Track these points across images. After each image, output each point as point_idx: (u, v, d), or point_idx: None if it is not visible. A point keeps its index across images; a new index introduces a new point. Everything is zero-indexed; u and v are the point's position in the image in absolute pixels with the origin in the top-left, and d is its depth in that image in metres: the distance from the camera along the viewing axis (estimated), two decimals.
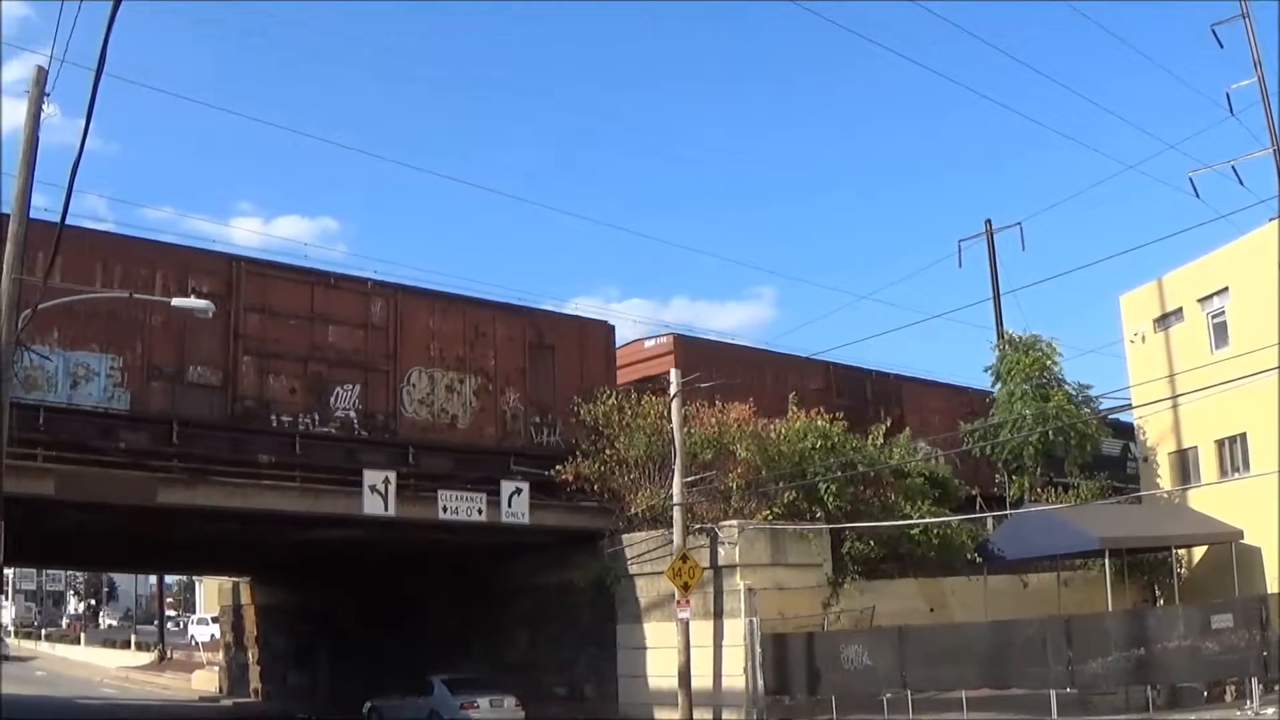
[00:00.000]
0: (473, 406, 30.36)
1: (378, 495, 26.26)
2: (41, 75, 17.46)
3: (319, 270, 29.29)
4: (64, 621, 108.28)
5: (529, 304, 33.08)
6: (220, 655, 53.09)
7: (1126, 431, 40.22)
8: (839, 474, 29.71)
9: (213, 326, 25.58)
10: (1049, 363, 36.19)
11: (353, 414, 28.62)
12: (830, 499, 29.35)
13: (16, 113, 18.01)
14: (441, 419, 29.81)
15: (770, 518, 28.45)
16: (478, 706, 28.59)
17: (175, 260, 26.41)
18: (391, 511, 26.48)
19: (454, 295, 31.45)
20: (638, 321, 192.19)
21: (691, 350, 35.15)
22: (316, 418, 28.01)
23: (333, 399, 28.34)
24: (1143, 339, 36.63)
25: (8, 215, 17.98)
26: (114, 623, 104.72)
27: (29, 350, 18.52)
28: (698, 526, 28.07)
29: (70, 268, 22.57)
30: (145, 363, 25.75)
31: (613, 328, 34.50)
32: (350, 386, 28.58)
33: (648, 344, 36.42)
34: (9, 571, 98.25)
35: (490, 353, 30.97)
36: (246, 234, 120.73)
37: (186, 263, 26.57)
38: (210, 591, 73.27)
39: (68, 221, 17.94)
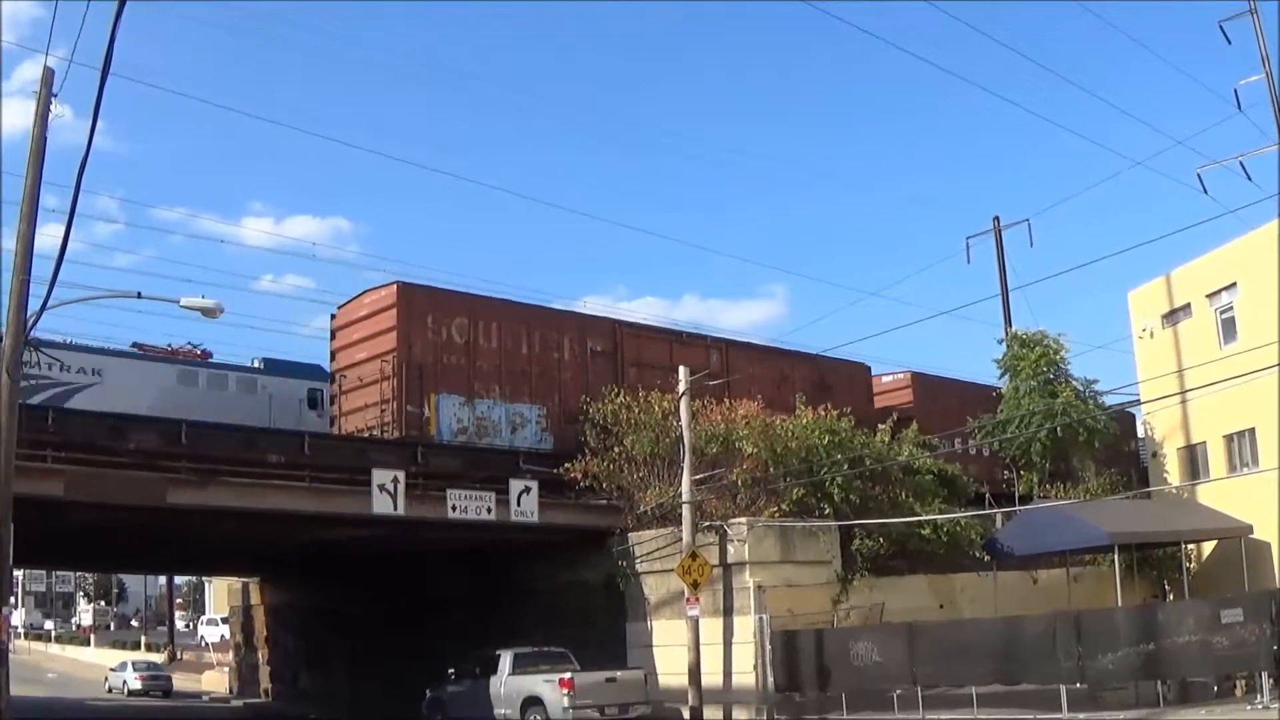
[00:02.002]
0: None
1: (386, 494, 26.22)
2: (49, 75, 17.51)
3: (673, 330, 36.23)
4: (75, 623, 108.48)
5: (816, 353, 38.69)
6: (230, 656, 53.22)
7: None
8: (847, 470, 29.68)
9: (606, 378, 32.01)
10: (1056, 358, 36.13)
11: None
12: (837, 494, 29.32)
13: (27, 114, 18.03)
14: None
15: (778, 514, 28.45)
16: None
17: (577, 325, 33.20)
18: (401, 511, 26.43)
19: (765, 347, 38.61)
20: (644, 319, 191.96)
21: (923, 384, 41.64)
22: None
23: None
24: (1151, 334, 36.62)
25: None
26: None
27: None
28: (707, 524, 28.05)
29: (505, 332, 29.84)
30: (560, 410, 31.59)
31: (869, 368, 40.39)
32: None
33: (885, 379, 41.69)
34: (19, 573, 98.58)
35: (791, 393, 34.68)
36: (257, 234, 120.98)
37: (584, 327, 33.25)
38: (220, 592, 73.47)
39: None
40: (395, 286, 29.46)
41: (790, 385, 35.61)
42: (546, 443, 31.01)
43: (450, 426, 29.35)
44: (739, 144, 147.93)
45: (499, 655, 27.21)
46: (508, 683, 26.42)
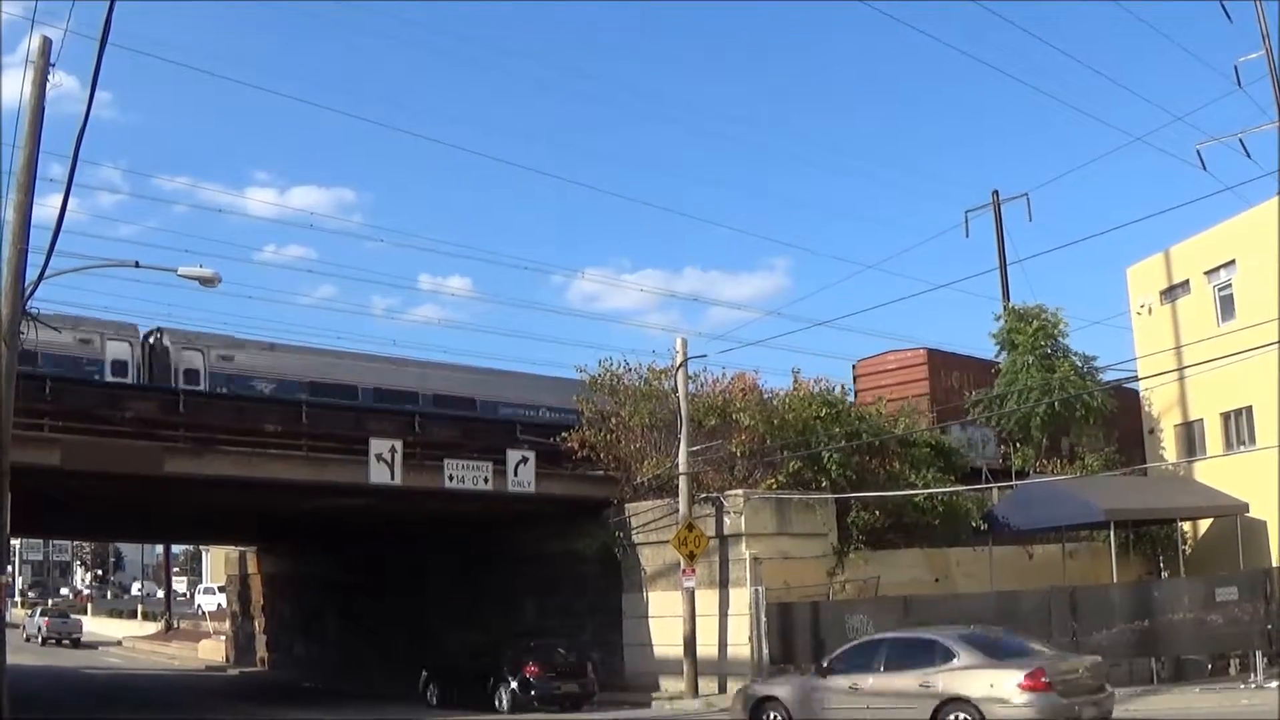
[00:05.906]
0: None
1: (384, 464, 26.22)
2: (46, 45, 17.38)
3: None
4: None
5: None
6: (227, 624, 53.33)
7: None
8: (844, 443, 29.64)
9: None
10: (1055, 333, 35.99)
11: None
12: (834, 468, 29.28)
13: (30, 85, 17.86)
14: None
15: (775, 486, 28.46)
16: None
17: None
18: (398, 480, 26.46)
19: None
20: (645, 291, 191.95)
21: None
22: None
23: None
24: (1149, 311, 36.52)
25: None
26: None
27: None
28: (703, 496, 28.07)
29: (976, 382, 37.15)
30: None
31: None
32: None
33: None
34: (15, 542, 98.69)
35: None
36: (260, 205, 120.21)
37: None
38: (217, 561, 73.51)
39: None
40: (924, 351, 38.44)
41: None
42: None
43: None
44: (741, 116, 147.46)
45: None
46: None
